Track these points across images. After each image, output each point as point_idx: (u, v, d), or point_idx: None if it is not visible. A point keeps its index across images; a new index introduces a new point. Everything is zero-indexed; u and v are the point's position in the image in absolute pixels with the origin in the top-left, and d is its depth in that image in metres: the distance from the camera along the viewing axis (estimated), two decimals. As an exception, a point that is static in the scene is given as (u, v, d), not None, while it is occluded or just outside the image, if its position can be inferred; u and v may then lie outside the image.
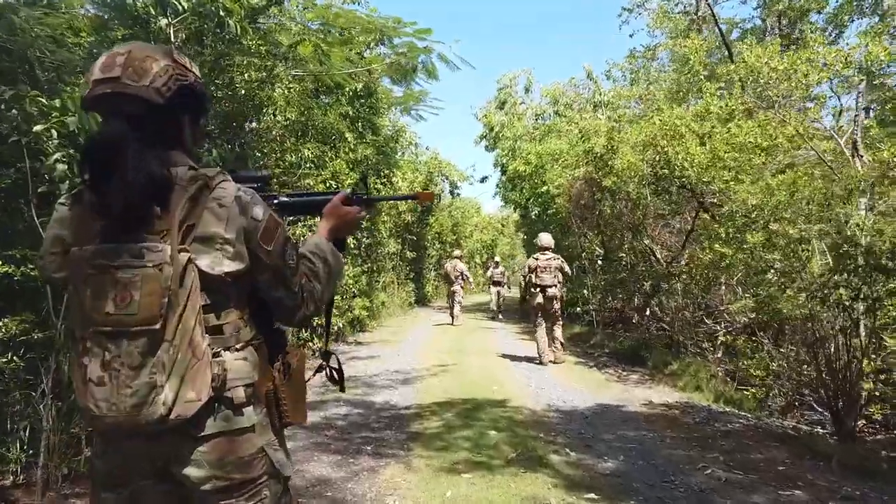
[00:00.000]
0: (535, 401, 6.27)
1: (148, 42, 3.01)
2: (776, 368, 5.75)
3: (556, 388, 6.93)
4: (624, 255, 9.91)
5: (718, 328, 7.20)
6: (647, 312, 9.47)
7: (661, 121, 7.73)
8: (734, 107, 6.67)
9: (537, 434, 4.95)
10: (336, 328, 9.98)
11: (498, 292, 17.16)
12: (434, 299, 23.94)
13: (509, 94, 18.91)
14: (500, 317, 17.10)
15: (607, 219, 10.32)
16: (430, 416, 5.59)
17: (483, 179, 20.82)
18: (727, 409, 6.03)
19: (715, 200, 7.29)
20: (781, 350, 6.00)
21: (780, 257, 5.27)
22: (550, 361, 8.63)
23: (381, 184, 13.60)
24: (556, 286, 8.50)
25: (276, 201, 1.72)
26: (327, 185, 9.24)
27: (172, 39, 5.83)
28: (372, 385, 7.04)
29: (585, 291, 12.71)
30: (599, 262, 12.13)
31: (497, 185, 21.70)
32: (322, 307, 1.58)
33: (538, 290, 8.40)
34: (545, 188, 13.92)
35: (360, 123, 10.83)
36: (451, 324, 14.65)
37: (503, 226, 39.10)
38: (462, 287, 14.88)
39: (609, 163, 9.34)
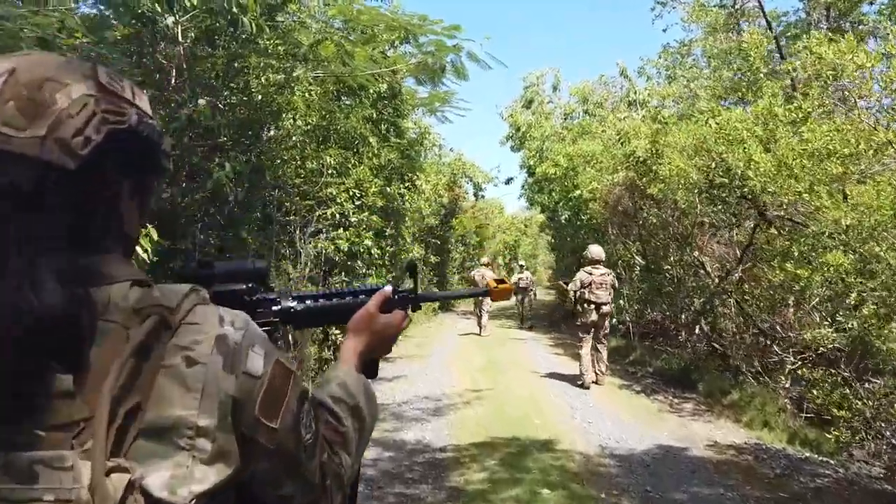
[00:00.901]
0: (585, 440, 5.60)
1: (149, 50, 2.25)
2: (864, 408, 5.00)
3: (605, 422, 6.25)
4: (669, 266, 9.18)
5: (787, 355, 6.44)
6: (696, 330, 8.73)
7: (717, 124, 6.98)
8: (809, 109, 5.91)
9: (598, 494, 4.28)
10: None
11: (522, 300, 16.32)
12: (458, 304, 23.30)
13: (536, 92, 18.19)
14: (526, 324, 16.28)
15: (651, 228, 9.60)
16: (470, 462, 4.96)
17: (508, 181, 20.09)
18: (807, 455, 5.31)
19: (782, 213, 6.54)
20: (867, 386, 5.26)
21: (878, 286, 4.53)
22: (593, 382, 7.97)
23: (406, 188, 12.99)
24: (609, 303, 7.84)
25: (277, 307, 1.05)
26: (350, 193, 8.63)
27: (181, 39, 5.27)
28: (401, 417, 6.42)
29: (622, 301, 11.99)
30: (638, 271, 11.40)
31: (523, 187, 21.02)
32: (348, 489, 0.93)
33: (592, 307, 7.74)
34: (577, 192, 13.19)
35: (383, 126, 10.21)
36: (479, 334, 14.01)
37: (526, 226, 38.36)
38: (489, 295, 14.18)
39: (653, 168, 8.61)
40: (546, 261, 42.39)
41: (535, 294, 18.58)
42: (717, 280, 8.18)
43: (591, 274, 7.81)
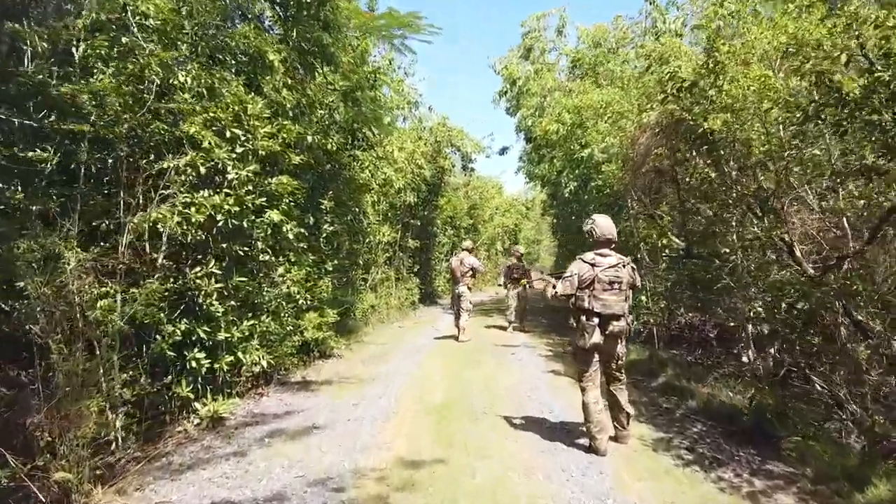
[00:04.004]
0: None
1: None
2: None
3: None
4: (727, 250, 5.91)
5: None
6: (773, 351, 5.51)
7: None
8: None
9: None
10: (260, 367, 6.20)
11: (518, 295, 12.55)
12: (445, 294, 20.11)
13: (537, 38, 14.83)
14: (517, 324, 12.74)
15: (699, 191, 6.30)
16: None
17: (503, 151, 16.75)
18: None
19: None
20: None
21: None
22: (612, 440, 4.85)
23: (360, 148, 9.77)
24: (625, 315, 4.66)
25: None
26: (225, 131, 5.43)
27: None
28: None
29: (643, 297, 8.78)
30: (671, 257, 8.16)
31: (520, 158, 17.66)
32: None
33: (594, 321, 4.57)
34: (586, 152, 9.92)
35: (299, 41, 6.96)
36: (457, 339, 10.81)
37: (528, 208, 35.03)
38: (470, 288, 10.98)
39: (709, 92, 5.35)
40: (550, 246, 39.18)
41: (530, 286, 15.26)
42: (810, 272, 4.94)
43: (594, 265, 4.62)
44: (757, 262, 5.63)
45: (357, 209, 11.38)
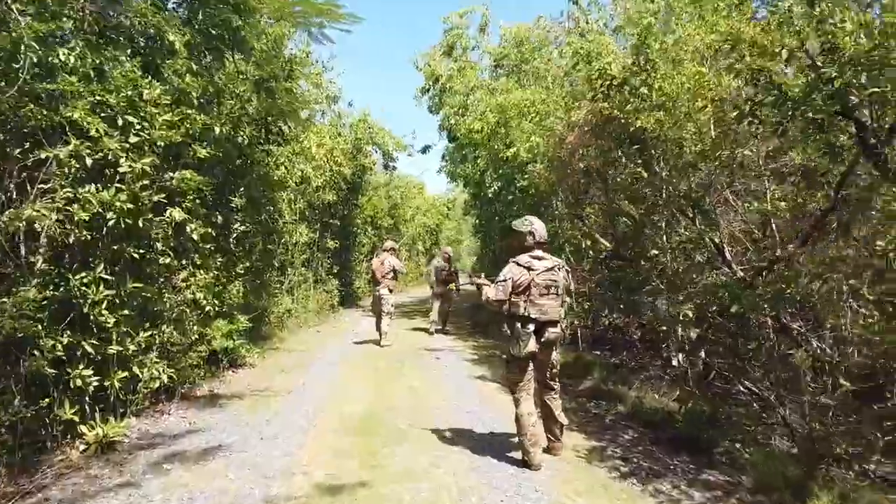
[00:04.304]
0: None
1: None
2: None
3: None
4: (657, 252, 5.81)
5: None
6: (702, 354, 5.46)
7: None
8: None
9: None
10: (160, 382, 5.54)
11: (443, 295, 12.36)
12: (365, 296, 19.56)
13: (459, 35, 14.61)
14: (440, 327, 12.54)
15: (629, 191, 6.18)
16: None
17: (425, 150, 16.46)
18: None
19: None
20: None
21: None
22: (545, 452, 4.60)
23: (275, 143, 9.15)
24: (560, 321, 4.43)
25: None
26: (118, 118, 4.78)
27: None
28: None
29: (568, 299, 8.67)
30: (593, 259, 8.07)
31: (443, 156, 17.40)
32: None
33: (530, 328, 4.30)
34: (511, 151, 9.73)
35: (206, 24, 6.34)
36: (379, 343, 10.38)
37: (449, 208, 34.90)
38: (391, 290, 10.57)
39: (640, 90, 5.22)
40: (471, 246, 39.27)
41: (457, 289, 15.06)
42: (741, 274, 4.89)
43: (529, 268, 4.36)
44: (685, 264, 5.55)
45: (272, 208, 10.72)
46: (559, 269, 4.45)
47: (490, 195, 12.53)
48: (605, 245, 7.08)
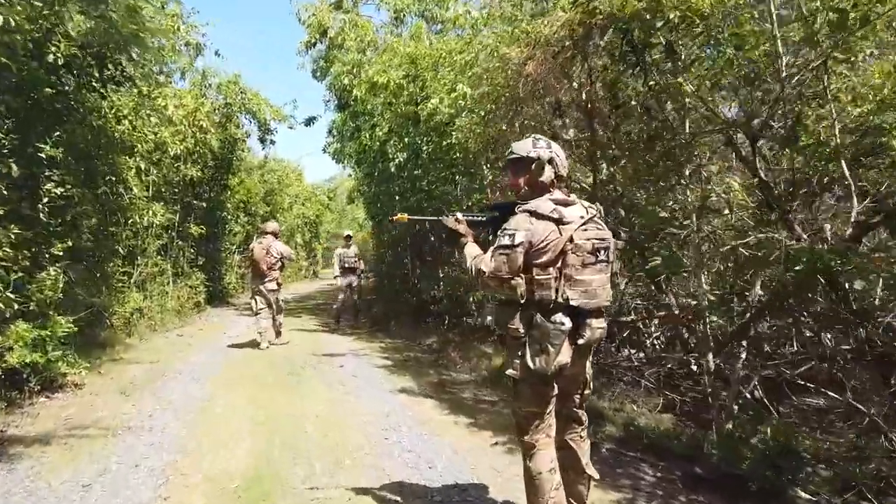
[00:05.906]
0: None
1: None
2: None
3: None
4: (665, 214, 4.21)
5: None
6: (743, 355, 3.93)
7: None
8: None
9: None
10: None
11: (350, 285, 11.13)
12: (237, 293, 16.86)
13: (351, -15, 12.54)
14: (342, 322, 11.09)
15: (645, 121, 4.43)
16: None
17: (310, 121, 13.98)
18: None
19: None
20: None
21: None
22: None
23: (114, 82, 6.66)
24: (609, 306, 2.62)
25: None
26: None
27: None
28: None
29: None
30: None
31: (330, 131, 15.07)
32: None
33: (566, 322, 2.41)
34: (430, 104, 7.87)
35: None
36: (259, 346, 8.15)
37: (330, 199, 32.34)
38: (280, 285, 8.40)
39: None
40: (357, 240, 36.95)
41: (365, 276, 13.23)
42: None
43: (560, 220, 2.47)
44: (713, 229, 4.00)
45: (113, 178, 8.12)
46: (600, 219, 2.64)
47: (392, 169, 10.57)
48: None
